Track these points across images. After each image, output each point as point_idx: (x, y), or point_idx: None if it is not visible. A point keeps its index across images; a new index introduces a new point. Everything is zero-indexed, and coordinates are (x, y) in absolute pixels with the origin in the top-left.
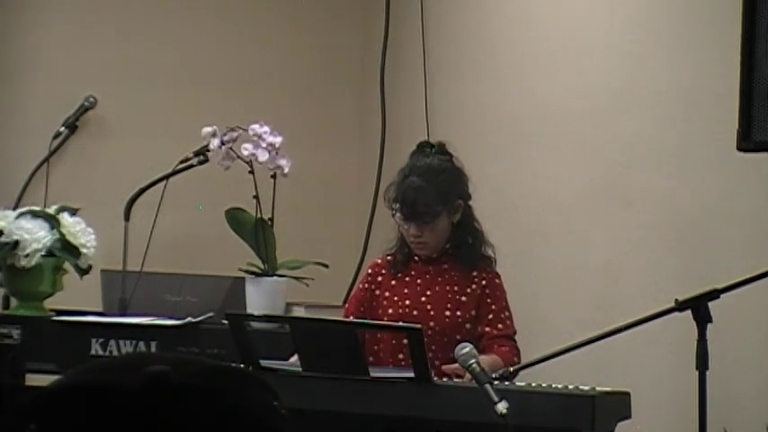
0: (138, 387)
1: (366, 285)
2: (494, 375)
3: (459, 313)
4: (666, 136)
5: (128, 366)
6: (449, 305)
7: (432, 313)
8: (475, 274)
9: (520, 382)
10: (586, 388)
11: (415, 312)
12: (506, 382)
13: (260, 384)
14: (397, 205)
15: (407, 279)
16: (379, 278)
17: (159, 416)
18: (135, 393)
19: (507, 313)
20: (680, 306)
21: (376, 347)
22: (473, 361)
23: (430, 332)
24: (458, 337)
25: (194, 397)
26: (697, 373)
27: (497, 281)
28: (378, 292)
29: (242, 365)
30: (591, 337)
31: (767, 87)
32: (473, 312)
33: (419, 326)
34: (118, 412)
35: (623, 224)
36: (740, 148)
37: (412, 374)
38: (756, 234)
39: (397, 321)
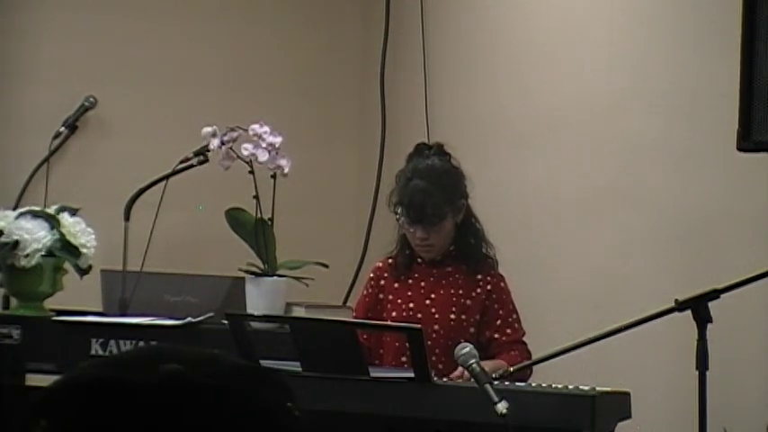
0: (151, 385)
1: (371, 290)
2: (494, 375)
3: (463, 317)
4: (667, 136)
5: (143, 363)
6: (453, 308)
7: (436, 316)
8: (479, 277)
9: (520, 383)
10: (586, 388)
11: (419, 315)
12: (506, 382)
13: (275, 384)
14: (401, 209)
15: (411, 282)
16: (382, 281)
17: (171, 415)
18: (148, 391)
19: (515, 316)
20: (680, 306)
21: (381, 351)
22: (473, 361)
23: (434, 335)
24: (462, 340)
25: (207, 397)
26: (697, 373)
27: (503, 284)
28: (382, 295)
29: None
30: (591, 337)
31: (767, 87)
32: (477, 316)
33: (419, 326)
34: (130, 410)
35: (623, 224)
36: (740, 148)
37: (412, 374)
38: (756, 234)
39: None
